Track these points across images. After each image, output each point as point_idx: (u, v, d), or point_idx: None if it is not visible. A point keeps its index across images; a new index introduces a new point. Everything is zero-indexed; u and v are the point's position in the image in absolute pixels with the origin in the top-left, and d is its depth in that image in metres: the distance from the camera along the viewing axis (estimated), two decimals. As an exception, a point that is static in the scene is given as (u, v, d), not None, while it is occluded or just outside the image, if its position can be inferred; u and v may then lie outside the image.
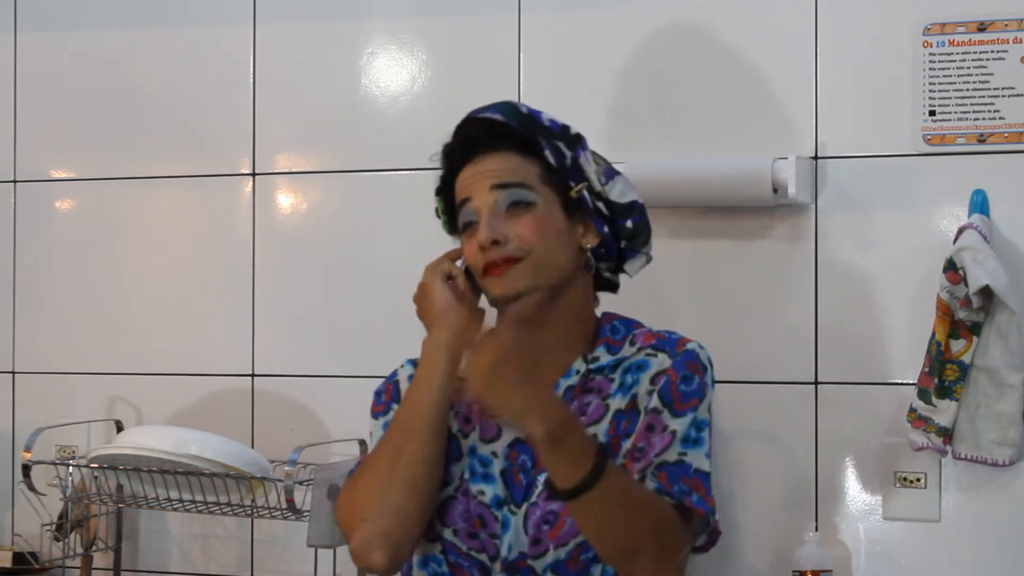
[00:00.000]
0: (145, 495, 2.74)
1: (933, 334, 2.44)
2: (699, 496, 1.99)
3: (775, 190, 2.51)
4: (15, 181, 3.10)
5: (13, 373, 3.10)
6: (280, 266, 2.93)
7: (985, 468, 2.47)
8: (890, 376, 2.56)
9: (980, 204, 2.48)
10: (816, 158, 2.59)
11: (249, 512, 2.70)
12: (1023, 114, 2.49)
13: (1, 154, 3.10)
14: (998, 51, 2.50)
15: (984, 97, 2.51)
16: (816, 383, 2.60)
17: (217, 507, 2.69)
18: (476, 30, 2.81)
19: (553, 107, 2.71)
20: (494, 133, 2.08)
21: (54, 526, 2.87)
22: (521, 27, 2.77)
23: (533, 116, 2.09)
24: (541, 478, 2.02)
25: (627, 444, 2.02)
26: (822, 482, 2.59)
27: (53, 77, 3.08)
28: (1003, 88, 2.50)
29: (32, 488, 2.78)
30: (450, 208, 2.15)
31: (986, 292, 2.38)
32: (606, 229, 2.11)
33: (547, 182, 2.07)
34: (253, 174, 2.94)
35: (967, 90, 2.52)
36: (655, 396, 2.03)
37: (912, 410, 2.47)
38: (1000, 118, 2.50)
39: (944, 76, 2.53)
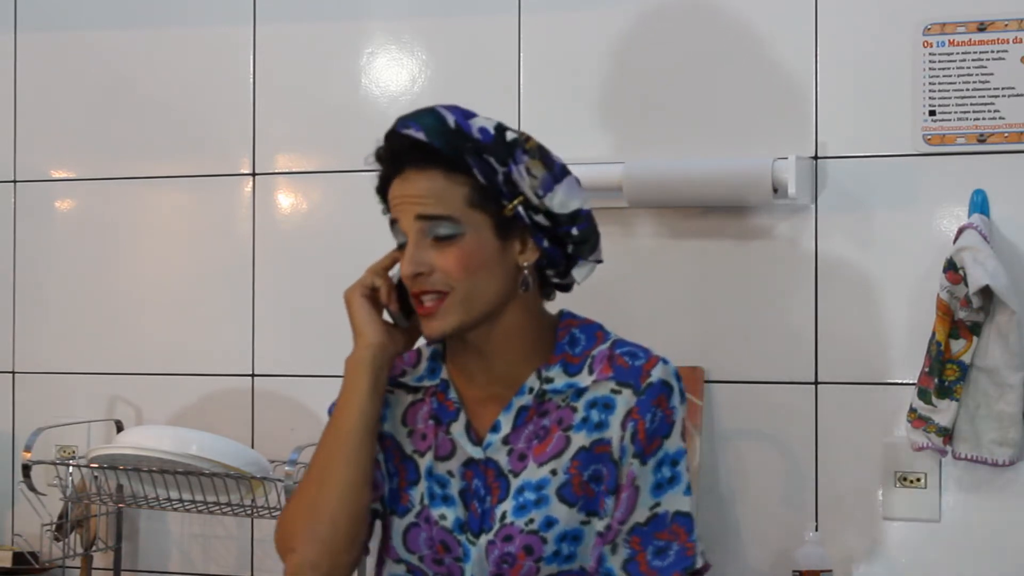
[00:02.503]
0: (145, 495, 2.74)
1: (933, 334, 2.44)
2: (679, 547, 1.95)
3: (775, 190, 2.51)
4: (15, 181, 3.11)
5: (13, 373, 3.10)
6: (280, 266, 2.93)
7: (985, 468, 2.47)
8: (890, 376, 2.56)
9: (980, 204, 2.48)
10: (816, 158, 2.59)
11: (249, 512, 2.70)
12: (1023, 114, 2.49)
13: (1, 154, 3.10)
14: (998, 51, 2.50)
15: (984, 97, 2.51)
16: (816, 383, 2.60)
17: (217, 507, 2.69)
18: (476, 30, 2.81)
19: (553, 107, 2.74)
20: (415, 151, 1.94)
21: (54, 526, 2.87)
22: (521, 27, 2.77)
23: (461, 129, 1.93)
24: (497, 512, 1.97)
25: (610, 501, 1.97)
26: (822, 482, 2.59)
27: (53, 77, 3.08)
28: (1003, 88, 2.50)
29: (32, 488, 2.78)
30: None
31: (986, 292, 2.38)
32: (546, 242, 1.97)
33: (476, 204, 1.93)
34: (253, 174, 2.95)
35: (967, 90, 2.52)
36: (626, 447, 1.95)
37: (912, 410, 2.47)
38: (1000, 118, 2.50)
39: (944, 76, 2.53)
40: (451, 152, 1.92)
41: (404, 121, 1.97)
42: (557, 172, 1.98)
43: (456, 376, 2.06)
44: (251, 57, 2.95)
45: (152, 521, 2.98)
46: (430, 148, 1.93)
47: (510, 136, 1.96)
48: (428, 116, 1.94)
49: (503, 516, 1.96)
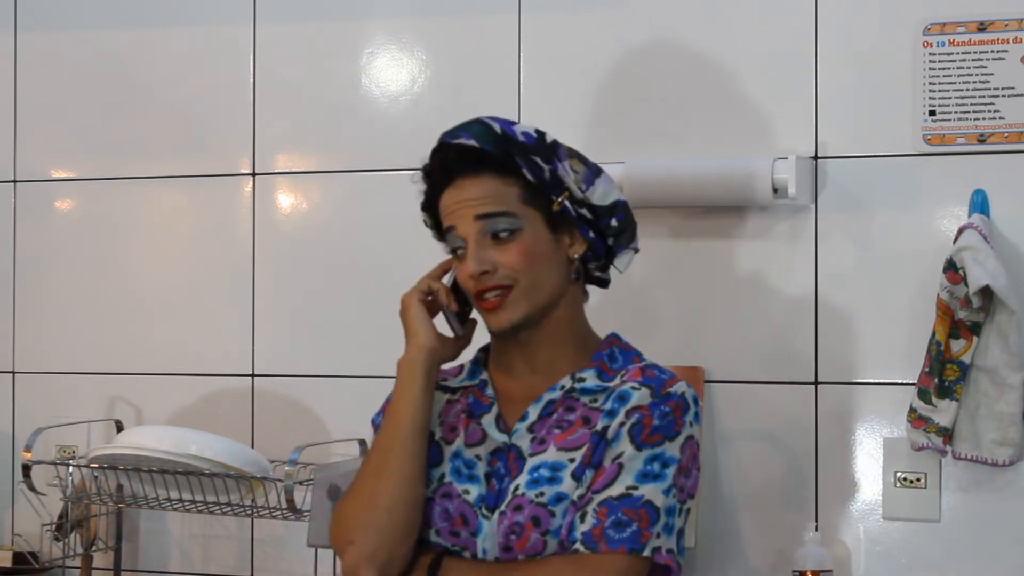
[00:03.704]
0: (145, 495, 2.74)
1: (933, 334, 2.44)
2: (636, 529, 1.99)
3: (775, 190, 2.51)
4: (15, 181, 3.10)
5: (13, 373, 3.10)
6: (280, 266, 2.93)
7: (985, 468, 2.47)
8: (890, 376, 2.56)
9: (980, 204, 2.48)
10: (816, 158, 2.59)
11: (249, 512, 2.70)
12: (1023, 114, 2.49)
13: (1, 154, 3.10)
14: (998, 51, 2.50)
15: (984, 97, 2.51)
16: (816, 383, 2.60)
17: (217, 507, 2.69)
18: (476, 30, 2.81)
19: (553, 107, 2.74)
20: (471, 158, 2.09)
21: (54, 526, 2.87)
22: (521, 27, 2.77)
23: (507, 134, 2.09)
24: (511, 486, 2.06)
25: (590, 473, 2.04)
26: (822, 482, 2.59)
27: (53, 77, 3.08)
28: (1003, 88, 2.50)
29: (32, 488, 2.78)
30: (437, 223, 2.18)
31: (986, 292, 2.38)
32: (591, 233, 2.13)
33: (528, 201, 2.09)
34: (253, 174, 2.94)
35: (967, 90, 2.52)
36: (624, 431, 2.04)
37: (912, 410, 2.47)
38: (1000, 118, 2.50)
39: (944, 76, 2.53)
40: (502, 154, 2.07)
41: (452, 133, 2.12)
42: (594, 168, 2.15)
43: (496, 375, 2.18)
44: (251, 57, 2.94)
45: (152, 521, 2.98)
46: (482, 153, 2.08)
47: (549, 139, 2.13)
48: (476, 125, 2.11)
49: (516, 488, 2.05)
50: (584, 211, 2.12)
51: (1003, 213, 2.49)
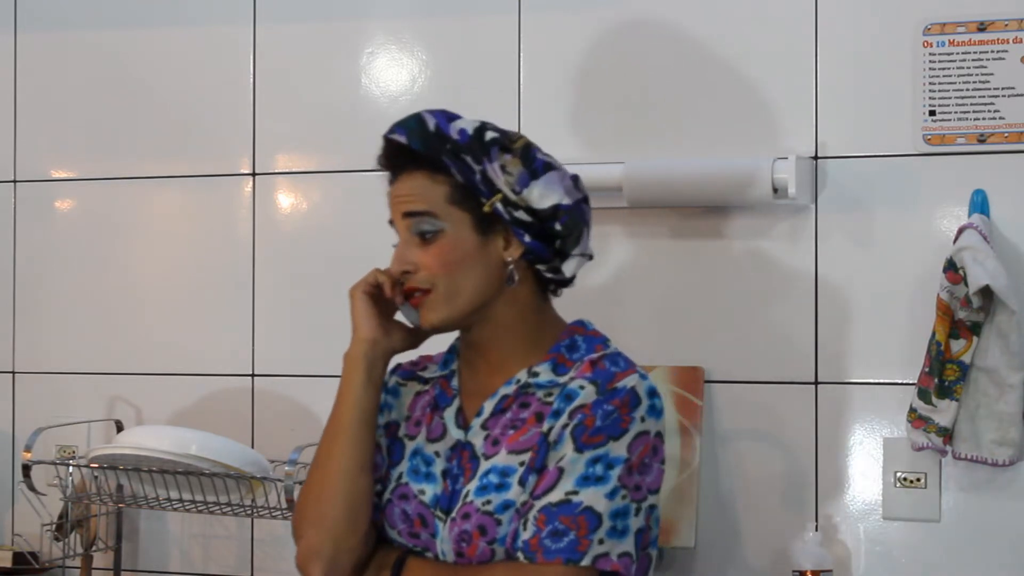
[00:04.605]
0: (145, 495, 2.74)
1: (933, 334, 2.44)
2: (574, 538, 1.95)
3: (775, 190, 2.51)
4: (15, 181, 3.10)
5: (13, 373, 3.10)
6: (280, 266, 2.93)
7: (985, 468, 2.47)
8: (890, 376, 2.56)
9: (980, 204, 2.48)
10: (816, 158, 2.59)
11: (249, 512, 2.70)
12: (1023, 114, 2.49)
13: (1, 154, 3.10)
14: (998, 51, 2.50)
15: (984, 97, 2.51)
16: (816, 383, 2.60)
17: (217, 507, 2.69)
18: (476, 30, 2.81)
19: (553, 107, 2.74)
20: (404, 154, 2.06)
21: (54, 526, 2.87)
22: (521, 27, 2.77)
23: (441, 131, 2.04)
24: (463, 491, 2.04)
25: (533, 478, 2.01)
26: (822, 482, 2.59)
27: (53, 77, 3.08)
28: (1003, 88, 2.50)
29: (32, 488, 2.78)
30: None
31: (986, 292, 2.38)
32: (528, 237, 2.04)
33: (456, 202, 2.04)
34: (253, 174, 2.94)
35: (967, 90, 2.52)
36: (567, 433, 2.00)
37: (912, 410, 2.47)
38: (1000, 118, 2.50)
39: (944, 76, 2.53)
40: (430, 154, 2.03)
41: (392, 127, 2.09)
42: (537, 169, 2.05)
43: (463, 368, 2.15)
44: (251, 57, 2.95)
45: (152, 521, 2.98)
46: (412, 151, 2.05)
47: (489, 136, 2.04)
48: (412, 120, 2.07)
49: (466, 495, 2.03)
50: (521, 214, 2.04)
51: (1003, 213, 2.49)
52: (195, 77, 2.99)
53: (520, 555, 1.97)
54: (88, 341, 3.04)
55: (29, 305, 3.09)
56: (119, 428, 2.94)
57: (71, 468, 2.82)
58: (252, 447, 2.84)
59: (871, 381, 2.57)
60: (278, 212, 2.94)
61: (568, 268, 2.10)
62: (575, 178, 2.09)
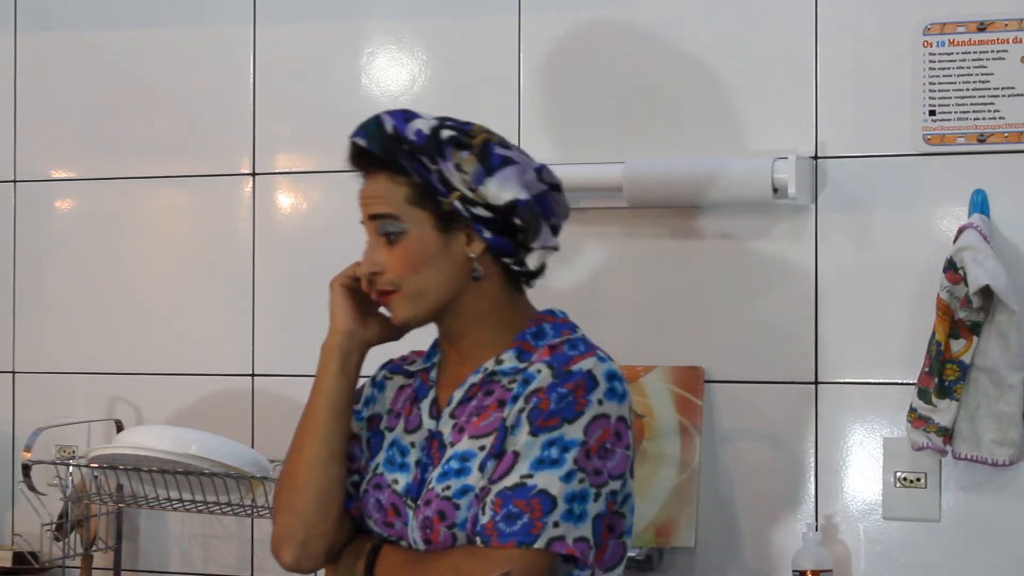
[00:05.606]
0: (145, 495, 2.74)
1: (933, 334, 2.44)
2: (528, 521, 1.95)
3: (775, 190, 2.51)
4: (15, 181, 3.11)
5: (13, 373, 3.10)
6: (280, 266, 2.93)
7: (985, 468, 2.47)
8: (890, 376, 2.56)
9: (980, 204, 2.48)
10: (816, 158, 2.59)
11: (249, 512, 2.70)
12: (1023, 114, 2.49)
13: (1, 154, 3.10)
14: (998, 51, 2.50)
15: (984, 97, 2.51)
16: (816, 383, 2.60)
17: (217, 507, 2.69)
18: (476, 30, 2.81)
19: (553, 107, 2.73)
20: (365, 157, 2.08)
21: (54, 526, 2.87)
22: (521, 27, 2.77)
23: (398, 132, 2.05)
24: (428, 478, 2.06)
25: (491, 464, 2.02)
26: (822, 482, 2.59)
27: (53, 77, 3.08)
28: (1003, 88, 2.50)
29: (32, 488, 2.78)
30: None
31: (986, 292, 2.38)
32: (488, 233, 2.05)
33: (416, 202, 2.05)
34: (253, 174, 2.95)
35: (967, 90, 2.52)
36: (523, 417, 2.00)
37: (912, 410, 2.47)
38: (1000, 118, 2.50)
39: (944, 76, 2.53)
40: (387, 156, 2.05)
41: (355, 129, 2.10)
42: (493, 165, 2.05)
43: (443, 359, 2.18)
44: (251, 57, 2.95)
45: (152, 521, 2.98)
46: (372, 153, 2.07)
47: (446, 135, 2.04)
48: (371, 123, 2.08)
49: (429, 482, 2.05)
50: (480, 210, 2.05)
51: (1003, 213, 2.49)
52: (195, 77, 2.99)
53: (478, 539, 1.98)
54: (88, 341, 3.04)
55: (29, 305, 3.09)
56: (119, 428, 2.94)
57: (71, 468, 2.82)
58: (252, 447, 2.84)
59: (871, 381, 2.57)
60: (278, 212, 2.94)
61: (530, 261, 2.11)
62: (540, 169, 2.08)
